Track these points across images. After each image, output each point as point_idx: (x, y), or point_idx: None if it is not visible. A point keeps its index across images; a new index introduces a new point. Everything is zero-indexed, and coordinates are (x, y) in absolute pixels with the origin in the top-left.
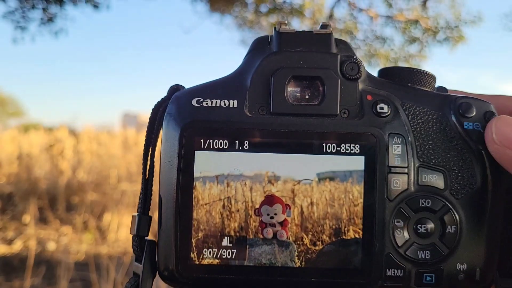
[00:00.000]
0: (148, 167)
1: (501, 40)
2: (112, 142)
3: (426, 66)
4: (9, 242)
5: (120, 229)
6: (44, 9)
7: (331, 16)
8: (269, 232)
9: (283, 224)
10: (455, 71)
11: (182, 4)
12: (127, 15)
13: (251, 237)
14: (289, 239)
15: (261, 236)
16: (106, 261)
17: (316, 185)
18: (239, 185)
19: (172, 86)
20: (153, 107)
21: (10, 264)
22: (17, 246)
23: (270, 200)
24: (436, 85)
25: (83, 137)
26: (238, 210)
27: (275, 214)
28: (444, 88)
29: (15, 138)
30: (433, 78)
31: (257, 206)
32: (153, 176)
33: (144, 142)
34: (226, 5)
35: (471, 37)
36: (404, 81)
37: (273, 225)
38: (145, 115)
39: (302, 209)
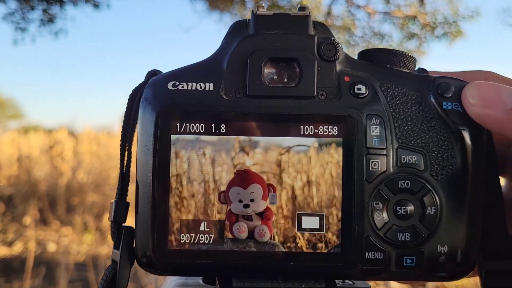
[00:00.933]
0: (126, 153)
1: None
2: (111, 143)
3: (425, 61)
4: (10, 244)
5: None
6: (44, 10)
7: (329, 13)
8: (242, 229)
9: (264, 216)
10: (453, 66)
11: (181, 3)
12: (126, 15)
13: (214, 236)
14: (273, 239)
15: (230, 236)
16: (106, 262)
17: (316, 153)
18: (194, 155)
19: (149, 71)
20: (130, 92)
21: (10, 265)
22: (18, 247)
23: (243, 178)
24: (417, 67)
25: (82, 139)
26: (193, 195)
27: (252, 200)
28: (425, 70)
29: (15, 140)
30: (412, 59)
31: (223, 188)
32: (130, 162)
33: (121, 128)
34: (225, 3)
35: (469, 32)
36: (383, 62)
37: (248, 218)
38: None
39: (294, 192)
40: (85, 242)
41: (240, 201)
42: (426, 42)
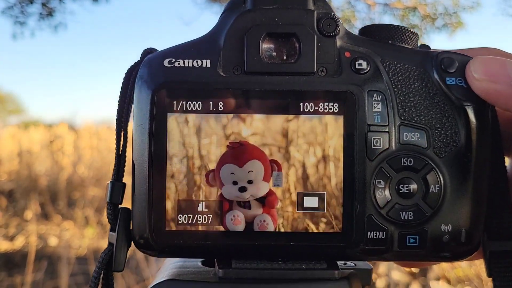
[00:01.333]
0: (122, 133)
1: (500, 25)
2: (112, 137)
3: None
4: (11, 238)
5: None
6: (43, 4)
7: None
8: (237, 220)
9: (266, 202)
10: None
11: None
12: (126, 8)
13: (213, 216)
14: (279, 229)
15: (222, 228)
16: None
17: (334, 120)
18: (173, 123)
19: (145, 49)
20: (125, 71)
21: (12, 260)
22: (19, 242)
23: (238, 153)
24: (419, 44)
25: (83, 133)
26: (172, 176)
27: (250, 182)
28: (428, 46)
29: (15, 135)
30: (414, 35)
31: (211, 166)
32: (126, 142)
33: (117, 108)
34: None
35: (470, 22)
36: (385, 38)
37: (245, 205)
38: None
39: (305, 170)
40: (86, 236)
41: (235, 182)
42: (426, 34)
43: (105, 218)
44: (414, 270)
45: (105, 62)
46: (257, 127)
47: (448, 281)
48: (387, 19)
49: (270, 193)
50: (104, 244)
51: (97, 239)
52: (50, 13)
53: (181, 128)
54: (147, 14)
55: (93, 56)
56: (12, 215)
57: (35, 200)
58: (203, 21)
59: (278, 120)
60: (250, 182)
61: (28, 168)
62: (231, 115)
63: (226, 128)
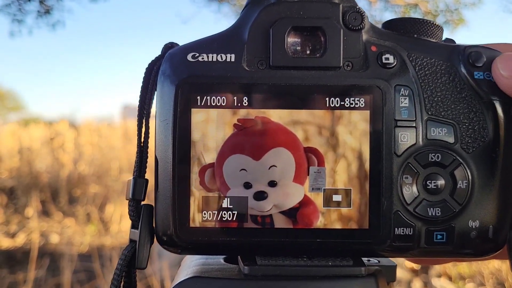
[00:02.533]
0: (143, 129)
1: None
2: (112, 134)
3: None
4: (12, 235)
5: (122, 220)
6: (40, 1)
7: None
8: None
9: (299, 215)
10: None
11: None
12: (125, 6)
13: (238, 213)
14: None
15: (247, 225)
16: (110, 252)
17: (360, 115)
18: (197, 118)
19: (166, 44)
20: (146, 66)
21: (14, 257)
22: (20, 239)
23: (251, 137)
24: (444, 37)
25: (83, 130)
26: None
27: (272, 183)
28: (452, 40)
29: (15, 132)
30: (440, 29)
31: (210, 157)
32: (148, 137)
33: (138, 103)
34: None
35: (471, 19)
36: (410, 32)
37: (264, 221)
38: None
39: (363, 167)
40: (88, 233)
41: (248, 185)
42: None
43: (106, 216)
44: (415, 267)
45: (104, 59)
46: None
47: (450, 278)
48: (388, 16)
49: (306, 201)
50: (106, 242)
51: (99, 236)
52: (47, 11)
53: (205, 123)
54: (145, 11)
55: (92, 54)
56: (13, 212)
57: (36, 197)
58: (201, 20)
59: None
60: (272, 184)
61: (29, 165)
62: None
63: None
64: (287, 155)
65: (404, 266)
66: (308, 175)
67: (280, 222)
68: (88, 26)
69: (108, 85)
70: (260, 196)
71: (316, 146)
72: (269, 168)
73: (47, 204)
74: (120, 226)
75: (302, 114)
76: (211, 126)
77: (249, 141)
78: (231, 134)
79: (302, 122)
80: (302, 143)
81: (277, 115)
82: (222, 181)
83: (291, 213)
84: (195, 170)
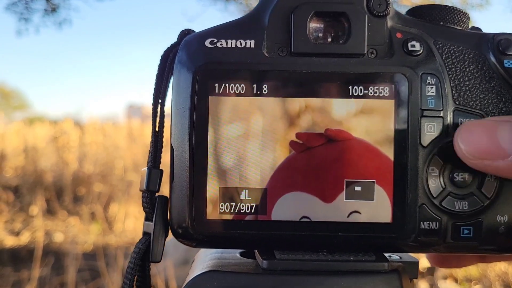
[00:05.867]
0: (158, 118)
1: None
2: (117, 133)
3: None
4: (17, 234)
5: (127, 219)
6: (47, 0)
7: None
8: None
9: None
10: None
11: None
12: (130, 5)
13: (256, 205)
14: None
15: (265, 217)
16: (114, 251)
17: (385, 104)
18: (215, 106)
19: (182, 31)
20: (162, 53)
21: (18, 255)
22: (25, 237)
23: (321, 165)
24: (470, 26)
25: (88, 129)
26: (214, 161)
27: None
28: (479, 28)
29: (20, 131)
30: (466, 16)
31: (254, 199)
32: (163, 127)
33: (153, 92)
34: None
35: (478, 20)
36: (436, 19)
37: None
38: (150, 107)
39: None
40: (92, 232)
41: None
42: None
43: (110, 214)
44: (421, 268)
45: (109, 58)
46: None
47: (456, 280)
48: None
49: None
50: (110, 240)
51: (103, 235)
52: (54, 9)
53: (223, 111)
54: (151, 11)
55: (98, 53)
56: (18, 210)
57: (41, 195)
58: (207, 18)
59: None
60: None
61: (34, 164)
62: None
63: (282, 109)
64: (380, 193)
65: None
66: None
67: None
68: (94, 25)
69: (113, 84)
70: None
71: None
72: (348, 216)
73: (51, 202)
74: (125, 225)
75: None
76: (254, 141)
77: (316, 171)
78: (286, 158)
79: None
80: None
81: (362, 129)
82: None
83: None
84: (212, 160)
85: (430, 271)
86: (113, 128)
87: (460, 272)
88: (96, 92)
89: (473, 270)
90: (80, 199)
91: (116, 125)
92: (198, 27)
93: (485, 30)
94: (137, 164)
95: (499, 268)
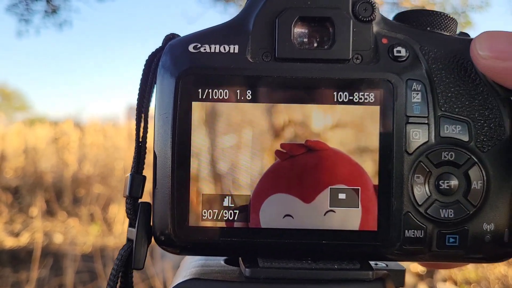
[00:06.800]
0: (142, 123)
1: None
2: (117, 135)
3: None
4: (16, 234)
5: (126, 220)
6: (48, 1)
7: None
8: None
9: None
10: None
11: None
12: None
13: (239, 212)
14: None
15: (249, 224)
16: (113, 253)
17: (370, 111)
18: (198, 112)
19: (167, 35)
20: (146, 58)
21: (17, 256)
22: (24, 238)
23: (302, 171)
24: (458, 31)
25: (88, 130)
26: (197, 168)
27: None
28: (467, 34)
29: (20, 132)
30: (454, 21)
31: (241, 200)
32: (147, 132)
33: (137, 96)
34: None
35: (478, 22)
36: (423, 25)
37: None
38: (150, 108)
39: (359, 185)
40: (91, 233)
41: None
42: None
43: (110, 216)
44: (420, 271)
45: (110, 59)
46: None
47: (455, 283)
48: None
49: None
50: (109, 242)
51: (102, 236)
52: (54, 11)
53: (207, 117)
54: (151, 12)
55: (99, 54)
56: (18, 211)
57: (41, 196)
58: (207, 20)
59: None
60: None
61: (34, 165)
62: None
63: (265, 117)
64: (351, 195)
65: (409, 270)
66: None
67: None
68: (94, 26)
69: (114, 85)
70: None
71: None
72: (324, 214)
73: (51, 203)
74: (124, 227)
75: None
76: (244, 151)
77: (297, 176)
78: (272, 165)
79: (372, 150)
80: (372, 179)
81: (337, 140)
82: (257, 223)
83: None
84: (195, 166)
85: (430, 274)
86: (114, 129)
87: (459, 275)
88: (97, 93)
89: (472, 272)
90: (79, 200)
91: (116, 126)
92: (197, 29)
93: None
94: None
95: (499, 270)
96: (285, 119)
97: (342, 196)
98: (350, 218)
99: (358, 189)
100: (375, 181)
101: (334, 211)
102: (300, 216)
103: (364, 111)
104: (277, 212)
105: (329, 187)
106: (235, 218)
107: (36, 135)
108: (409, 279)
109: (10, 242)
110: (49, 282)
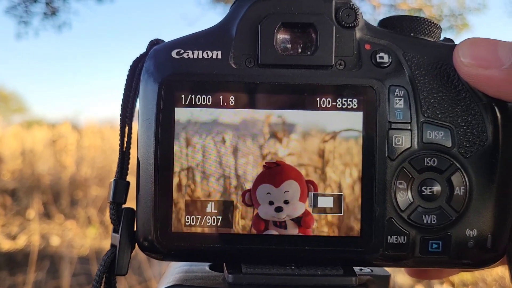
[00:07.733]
0: (126, 129)
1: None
2: (115, 137)
3: None
4: (13, 237)
5: None
6: (47, 3)
7: None
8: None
9: (302, 222)
10: None
11: None
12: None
13: (222, 218)
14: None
15: (232, 230)
16: None
17: (353, 117)
18: (210, 142)
19: (151, 41)
20: (130, 63)
21: (14, 259)
22: (21, 241)
23: (275, 173)
24: (442, 37)
25: (86, 132)
26: (180, 174)
27: (286, 202)
28: (451, 40)
29: (18, 134)
30: (437, 27)
31: (248, 186)
32: (131, 138)
33: (121, 102)
34: None
35: (476, 24)
36: (406, 31)
37: (281, 225)
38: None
39: (341, 191)
40: (88, 236)
41: (271, 202)
42: None
43: (107, 218)
44: None
45: (108, 62)
46: (294, 147)
47: (452, 285)
48: None
49: (306, 213)
50: (106, 245)
51: (99, 239)
52: (54, 13)
53: (189, 123)
54: (151, 14)
55: (97, 56)
56: (15, 214)
57: (38, 199)
58: (207, 22)
59: (315, 141)
60: (286, 202)
61: (31, 167)
62: (265, 125)
63: (263, 148)
64: (295, 184)
65: (405, 272)
66: (308, 197)
67: (290, 226)
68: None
69: (112, 88)
70: (278, 209)
71: (312, 179)
72: (284, 192)
73: (48, 206)
74: None
75: (308, 145)
76: (247, 160)
77: (272, 175)
78: (261, 172)
79: (306, 164)
80: (305, 177)
81: (290, 160)
82: (255, 200)
83: (297, 220)
84: (178, 172)
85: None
86: (111, 131)
87: (456, 277)
88: (95, 96)
89: (469, 274)
90: (77, 202)
91: (114, 128)
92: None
93: (482, 34)
94: (134, 168)
95: (496, 272)
96: (270, 151)
97: (291, 184)
98: (294, 195)
99: (298, 182)
100: (358, 187)
101: (288, 191)
102: (273, 193)
103: (347, 117)
104: (263, 192)
105: (286, 180)
106: (218, 224)
107: (34, 137)
108: (405, 281)
109: (7, 245)
110: (46, 284)
